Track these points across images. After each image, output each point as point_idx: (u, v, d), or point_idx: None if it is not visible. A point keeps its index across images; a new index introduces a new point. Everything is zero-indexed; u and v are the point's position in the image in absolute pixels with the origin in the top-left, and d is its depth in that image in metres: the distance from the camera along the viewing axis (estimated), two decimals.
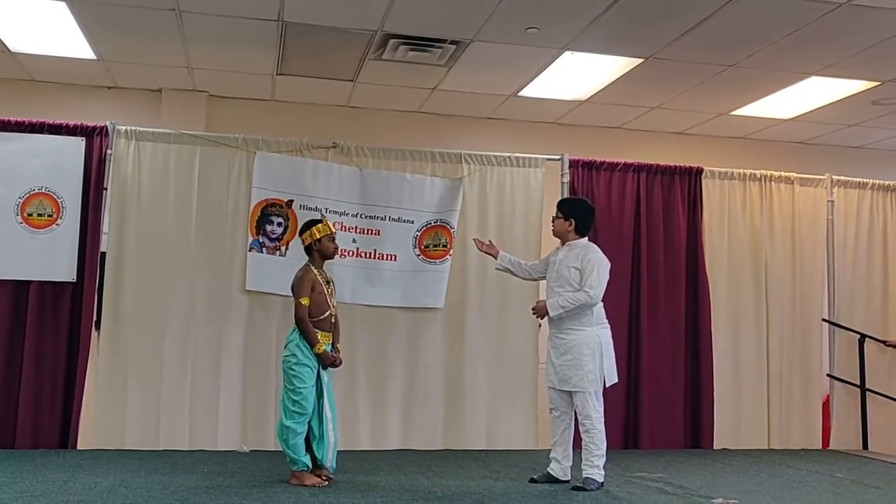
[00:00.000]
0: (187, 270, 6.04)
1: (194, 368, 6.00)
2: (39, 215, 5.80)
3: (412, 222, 6.37)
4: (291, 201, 6.15)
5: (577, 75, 7.09)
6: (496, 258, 5.44)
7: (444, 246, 6.40)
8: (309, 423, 4.70)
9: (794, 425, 6.97)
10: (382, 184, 6.36)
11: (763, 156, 8.53)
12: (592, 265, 4.91)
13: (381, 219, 6.34)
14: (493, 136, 8.25)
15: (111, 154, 5.99)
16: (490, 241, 5.67)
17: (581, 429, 4.88)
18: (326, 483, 4.67)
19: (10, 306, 5.78)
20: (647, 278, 6.72)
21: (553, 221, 5.17)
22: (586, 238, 5.12)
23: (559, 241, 5.19)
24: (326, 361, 4.75)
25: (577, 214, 5.08)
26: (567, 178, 6.66)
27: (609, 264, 5.01)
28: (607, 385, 4.94)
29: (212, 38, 6.44)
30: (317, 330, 4.73)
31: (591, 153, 6.92)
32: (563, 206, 5.23)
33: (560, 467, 4.98)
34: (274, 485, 4.65)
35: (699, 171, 6.99)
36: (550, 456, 5.04)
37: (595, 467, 4.82)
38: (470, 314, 6.43)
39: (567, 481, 4.94)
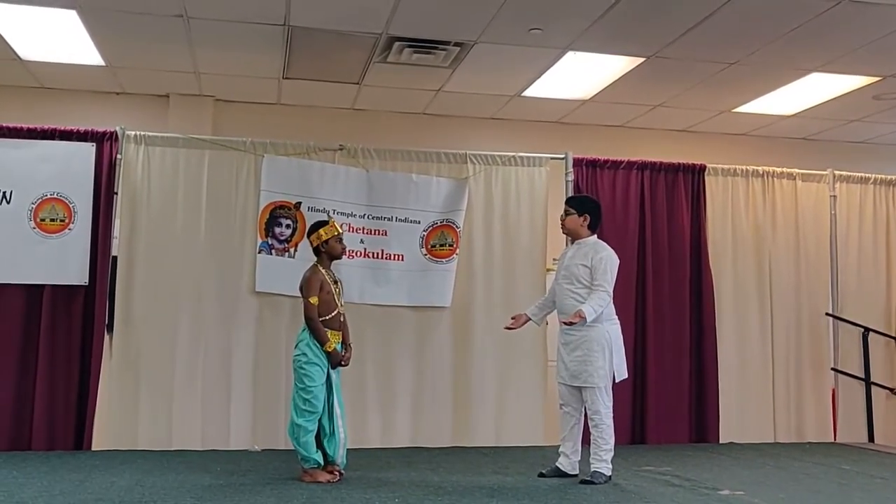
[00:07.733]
0: (197, 273, 6.11)
1: (205, 369, 6.06)
2: (52, 220, 5.88)
3: (418, 222, 6.43)
4: (299, 203, 6.20)
5: (579, 75, 7.15)
6: (532, 319, 5.27)
7: (451, 245, 6.46)
8: (319, 420, 4.77)
9: (800, 419, 7.01)
10: (388, 185, 6.42)
11: (765, 152, 8.60)
12: (605, 264, 4.95)
13: (388, 219, 6.40)
14: (497, 136, 8.32)
15: (121, 159, 6.05)
16: (512, 319, 5.30)
17: (590, 423, 4.94)
18: (338, 479, 4.75)
19: (23, 310, 5.85)
20: (651, 275, 6.77)
21: (564, 219, 5.16)
22: (595, 235, 5.17)
23: (569, 239, 5.27)
24: (335, 360, 4.82)
25: (590, 209, 5.15)
26: (571, 177, 6.71)
27: (618, 260, 5.07)
28: (617, 381, 4.98)
29: (218, 43, 6.51)
30: (327, 329, 4.80)
31: (594, 152, 6.97)
32: (573, 202, 5.26)
33: (569, 461, 5.04)
34: (287, 482, 4.72)
35: (702, 169, 7.03)
36: (559, 450, 5.09)
37: (603, 461, 4.88)
38: (477, 312, 6.48)
39: (575, 475, 5.00)
